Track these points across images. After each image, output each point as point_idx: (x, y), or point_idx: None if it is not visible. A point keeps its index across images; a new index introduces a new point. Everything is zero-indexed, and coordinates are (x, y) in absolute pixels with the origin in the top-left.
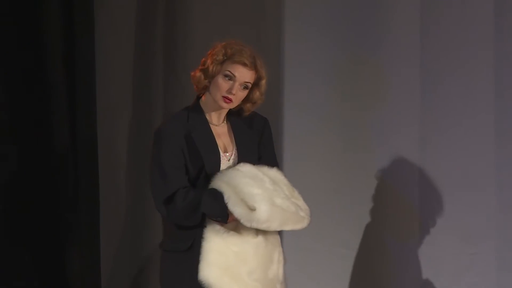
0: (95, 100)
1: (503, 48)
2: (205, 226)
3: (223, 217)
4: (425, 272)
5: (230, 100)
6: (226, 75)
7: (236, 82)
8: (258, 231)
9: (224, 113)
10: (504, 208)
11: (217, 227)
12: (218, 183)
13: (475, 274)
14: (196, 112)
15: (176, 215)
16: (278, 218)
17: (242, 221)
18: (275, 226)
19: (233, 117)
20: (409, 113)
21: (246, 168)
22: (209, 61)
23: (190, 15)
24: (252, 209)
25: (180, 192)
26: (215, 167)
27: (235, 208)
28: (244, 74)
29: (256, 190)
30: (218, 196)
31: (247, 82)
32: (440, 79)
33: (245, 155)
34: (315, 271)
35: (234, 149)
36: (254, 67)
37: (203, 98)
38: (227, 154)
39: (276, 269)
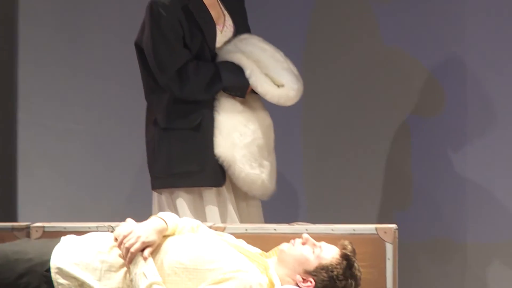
0: None
1: None
2: (215, 98)
3: (243, 91)
4: None
5: None
6: None
7: None
8: (264, 105)
9: None
10: None
11: (231, 100)
12: (237, 56)
13: None
14: None
15: (190, 88)
16: (299, 93)
17: (268, 97)
18: (295, 100)
19: None
20: None
21: (265, 45)
22: None
23: None
24: (280, 85)
25: (190, 65)
26: (213, 41)
27: (261, 83)
28: None
29: (281, 65)
30: (237, 69)
31: None
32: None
33: (240, 28)
34: None
35: (226, 21)
36: None
37: None
38: (219, 26)
39: (273, 143)
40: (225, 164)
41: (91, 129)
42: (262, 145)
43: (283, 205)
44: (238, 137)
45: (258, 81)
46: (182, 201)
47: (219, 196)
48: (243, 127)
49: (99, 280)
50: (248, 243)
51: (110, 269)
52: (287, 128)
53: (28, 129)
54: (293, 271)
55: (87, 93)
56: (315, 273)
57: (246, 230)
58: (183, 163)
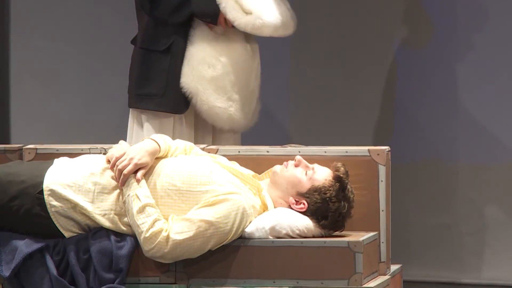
0: None
1: None
2: (191, 27)
3: (213, 17)
4: None
5: None
6: None
7: None
8: (247, 38)
9: None
10: None
11: (206, 30)
12: None
13: None
14: None
15: (161, 9)
16: (272, 25)
17: (235, 24)
18: (268, 32)
19: None
20: None
21: None
22: None
23: None
24: (248, 13)
25: None
26: None
27: (230, 10)
28: None
29: None
30: None
31: None
32: None
33: None
34: None
35: None
36: None
37: None
38: None
39: (255, 77)
40: (188, 94)
41: (84, 50)
42: (234, 79)
43: (270, 136)
44: (206, 69)
45: (227, 8)
46: (149, 125)
47: (180, 125)
48: (214, 59)
49: (92, 202)
50: (241, 165)
51: (103, 191)
52: (276, 56)
53: (21, 50)
54: (286, 193)
55: (80, 14)
56: (308, 195)
57: (239, 152)
58: (146, 84)
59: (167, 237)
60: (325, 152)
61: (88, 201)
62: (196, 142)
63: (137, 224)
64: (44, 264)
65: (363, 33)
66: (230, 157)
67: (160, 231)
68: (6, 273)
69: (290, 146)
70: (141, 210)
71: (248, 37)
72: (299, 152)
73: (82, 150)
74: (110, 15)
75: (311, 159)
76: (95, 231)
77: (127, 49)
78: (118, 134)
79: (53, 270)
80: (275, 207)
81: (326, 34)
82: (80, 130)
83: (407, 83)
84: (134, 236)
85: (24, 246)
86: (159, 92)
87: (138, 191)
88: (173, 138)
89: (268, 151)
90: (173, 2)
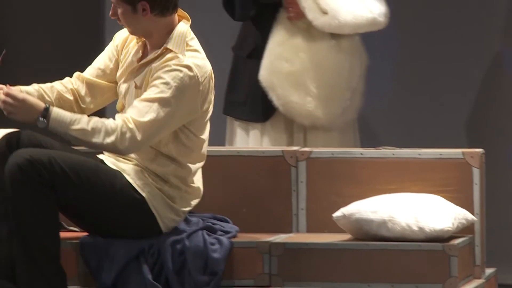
0: None
1: None
2: (273, 27)
3: None
4: None
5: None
6: None
7: None
8: (333, 35)
9: None
10: None
11: (288, 25)
12: None
13: None
14: None
15: (236, 9)
16: (350, 25)
17: (313, 24)
18: (348, 30)
19: None
20: None
21: None
22: None
23: None
24: (324, 13)
25: None
26: None
27: (308, 10)
28: None
29: None
30: None
31: None
32: None
33: None
34: None
35: None
36: None
37: None
38: None
39: (348, 75)
40: (265, 89)
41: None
42: (314, 75)
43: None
44: (283, 64)
45: (307, 8)
46: (240, 131)
47: (268, 130)
48: (292, 54)
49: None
50: (335, 167)
51: None
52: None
53: None
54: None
55: None
56: None
57: (333, 154)
58: (233, 91)
59: (131, 124)
60: (419, 154)
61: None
62: (289, 145)
63: (103, 143)
64: (140, 272)
65: (468, 31)
66: (323, 160)
67: (122, 126)
68: (108, 282)
69: (384, 148)
70: (91, 133)
71: (336, 33)
72: (393, 154)
73: None
74: None
75: (406, 162)
76: (190, 232)
77: None
78: None
79: (148, 275)
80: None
81: (430, 31)
82: None
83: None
84: (229, 238)
85: (122, 253)
86: (242, 99)
87: (69, 124)
88: (262, 144)
89: (362, 153)
90: None
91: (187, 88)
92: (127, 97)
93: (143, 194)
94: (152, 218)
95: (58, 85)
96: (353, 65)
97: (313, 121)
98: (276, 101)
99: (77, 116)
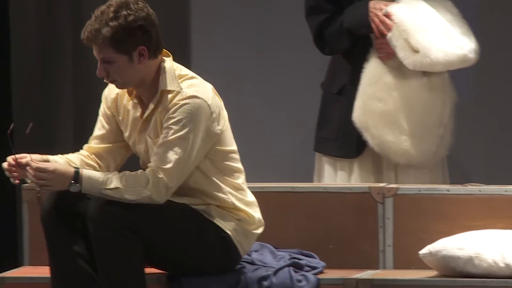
0: None
1: None
2: (365, 65)
3: (367, 25)
4: None
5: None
6: None
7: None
8: (424, 72)
9: None
10: None
11: (379, 65)
12: None
13: None
14: None
15: (327, 41)
16: (441, 63)
17: (405, 63)
18: (439, 68)
19: None
20: None
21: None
22: None
23: None
24: (416, 51)
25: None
26: None
27: (399, 49)
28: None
29: (423, 28)
30: (357, 6)
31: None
32: None
33: None
34: None
35: None
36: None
37: None
38: None
39: (440, 112)
40: (360, 129)
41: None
42: (407, 114)
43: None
44: (376, 103)
45: (398, 47)
46: (328, 167)
47: (356, 168)
48: (385, 94)
49: None
50: (422, 204)
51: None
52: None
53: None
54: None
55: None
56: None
57: (419, 191)
58: (323, 127)
59: (160, 174)
60: (506, 191)
61: None
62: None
63: (139, 197)
64: None
65: None
66: (410, 196)
67: (153, 178)
68: None
69: (471, 185)
70: (126, 191)
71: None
72: (480, 191)
73: None
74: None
75: (492, 199)
76: (277, 269)
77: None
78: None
79: None
80: None
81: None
82: None
83: None
84: (315, 274)
85: None
86: (332, 136)
87: (102, 184)
88: (350, 181)
89: (448, 190)
90: (333, 29)
91: (199, 116)
92: (149, 153)
93: (228, 232)
94: (236, 251)
95: (76, 155)
96: (444, 102)
97: (408, 160)
98: (371, 141)
99: (108, 175)
